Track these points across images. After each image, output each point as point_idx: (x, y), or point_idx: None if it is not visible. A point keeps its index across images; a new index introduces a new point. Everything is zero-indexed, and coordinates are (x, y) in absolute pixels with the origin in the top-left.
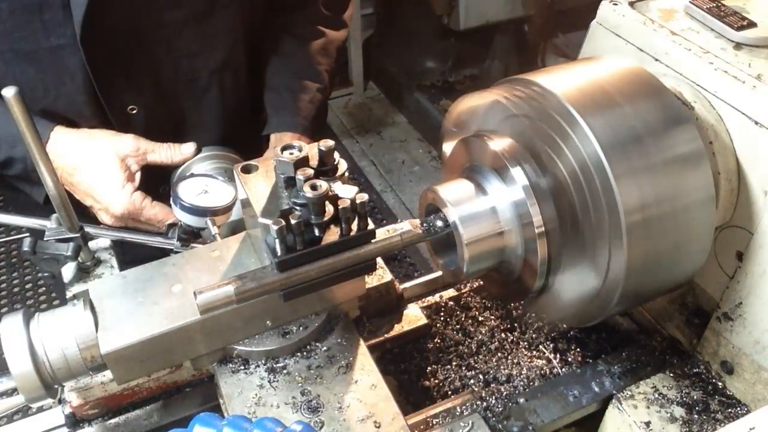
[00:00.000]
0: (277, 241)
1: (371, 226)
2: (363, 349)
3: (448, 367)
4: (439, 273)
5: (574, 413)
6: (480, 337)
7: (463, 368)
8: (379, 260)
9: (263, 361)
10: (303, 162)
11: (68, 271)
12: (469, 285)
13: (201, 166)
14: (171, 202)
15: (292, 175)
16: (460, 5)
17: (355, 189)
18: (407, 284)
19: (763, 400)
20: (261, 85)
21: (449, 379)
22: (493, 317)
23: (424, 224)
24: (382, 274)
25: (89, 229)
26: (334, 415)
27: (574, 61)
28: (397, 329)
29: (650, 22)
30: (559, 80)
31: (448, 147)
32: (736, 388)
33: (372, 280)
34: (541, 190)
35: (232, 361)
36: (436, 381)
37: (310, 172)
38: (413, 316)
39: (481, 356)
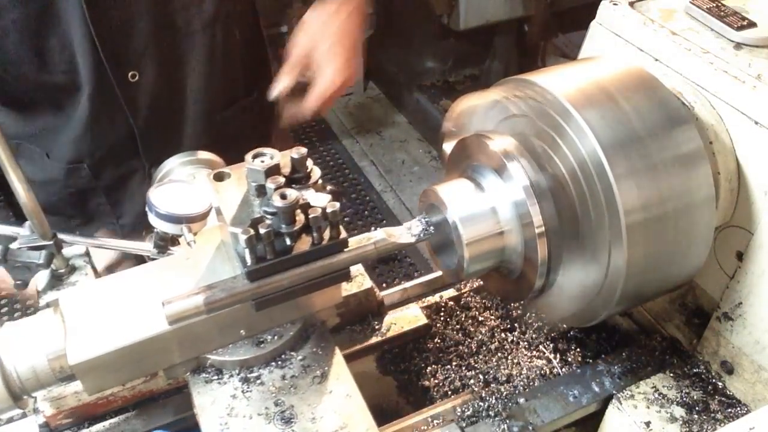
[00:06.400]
0: (246, 250)
1: (344, 234)
2: (339, 358)
3: (448, 367)
4: (439, 273)
5: (574, 413)
6: (480, 337)
7: (463, 368)
8: (360, 267)
9: (237, 371)
10: (274, 170)
11: (42, 278)
12: (469, 285)
13: (182, 171)
14: (146, 208)
15: (263, 183)
16: (460, 5)
17: (328, 197)
18: (409, 283)
19: (763, 400)
20: (254, 42)
21: (449, 379)
22: (493, 317)
23: (398, 231)
24: (362, 281)
25: (63, 236)
26: (307, 426)
27: (574, 61)
28: (397, 329)
29: (650, 22)
30: (559, 80)
31: (448, 147)
32: (736, 388)
33: (351, 287)
34: (541, 190)
35: (205, 371)
36: (436, 381)
37: (281, 180)
38: (413, 316)
39: (481, 356)
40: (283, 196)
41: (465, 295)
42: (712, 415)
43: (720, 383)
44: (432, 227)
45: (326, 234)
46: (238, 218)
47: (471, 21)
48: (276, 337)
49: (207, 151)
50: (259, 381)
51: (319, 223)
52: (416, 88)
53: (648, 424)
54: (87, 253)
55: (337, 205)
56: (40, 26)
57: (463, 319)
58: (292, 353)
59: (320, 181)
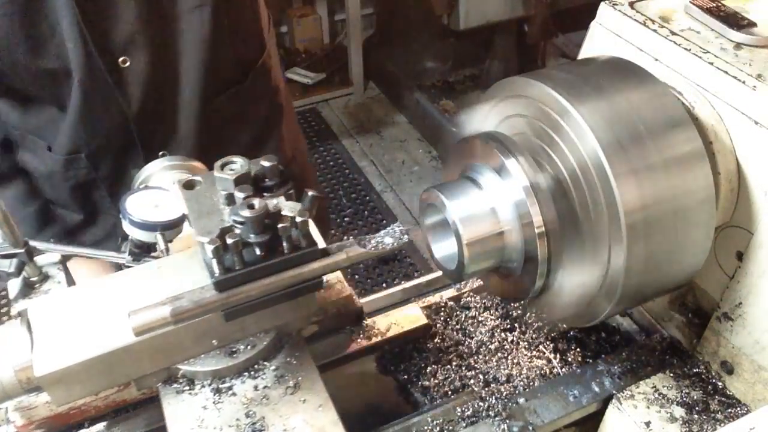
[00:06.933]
0: (213, 260)
1: (315, 243)
2: (313, 368)
3: (448, 367)
4: (439, 273)
5: (574, 413)
6: (480, 337)
7: (463, 368)
8: (338, 274)
9: (209, 382)
10: (243, 178)
11: (14, 286)
12: (469, 285)
13: (163, 176)
14: (120, 216)
15: (232, 191)
16: (460, 5)
17: (298, 206)
18: (409, 283)
19: (763, 400)
20: (249, 25)
21: (449, 379)
22: (493, 317)
23: (373, 240)
24: (341, 289)
25: (35, 244)
26: None
27: (574, 61)
28: (397, 329)
29: (650, 22)
30: (559, 80)
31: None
32: (736, 388)
33: (330, 295)
34: (541, 190)
35: (177, 381)
36: (436, 381)
37: (250, 189)
38: (413, 316)
39: (481, 356)
40: (251, 206)
41: (465, 295)
42: (712, 415)
43: (720, 383)
44: (406, 235)
45: (297, 243)
46: (207, 227)
47: (471, 21)
48: (249, 347)
49: (203, 138)
50: (231, 392)
51: (288, 233)
52: (416, 88)
53: (648, 424)
54: (61, 261)
55: (306, 215)
56: (28, 10)
57: (463, 319)
58: (266, 363)
59: (292, 191)
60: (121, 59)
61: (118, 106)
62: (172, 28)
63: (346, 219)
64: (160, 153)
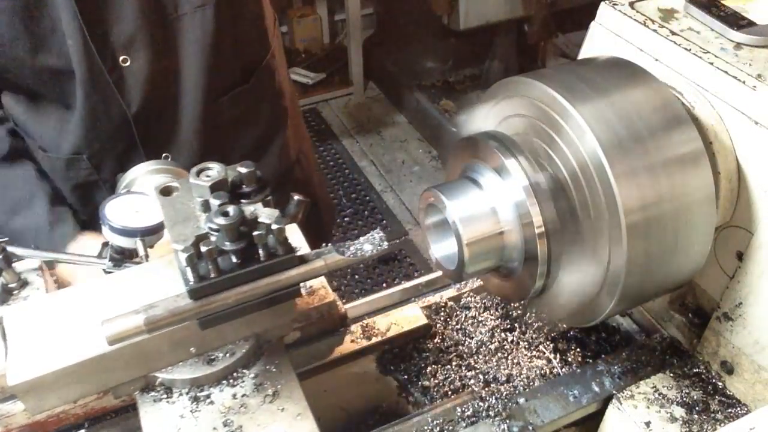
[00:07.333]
0: (188, 269)
1: (294, 250)
2: (292, 375)
3: (448, 367)
4: (439, 273)
5: (574, 413)
6: (480, 337)
7: (463, 368)
8: (322, 279)
9: (187, 390)
10: (220, 185)
11: None
12: (469, 285)
13: (147, 180)
14: (100, 221)
15: (208, 198)
16: (460, 5)
17: (276, 212)
18: (409, 283)
19: (763, 400)
20: (253, 28)
21: (449, 379)
22: (493, 317)
23: (352, 247)
24: (324, 294)
25: (13, 250)
26: None
27: (574, 61)
28: (397, 329)
29: (650, 22)
30: (559, 80)
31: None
32: (736, 388)
33: (313, 300)
34: (541, 190)
35: (154, 389)
36: (436, 381)
37: (225, 196)
38: (413, 316)
39: (481, 356)
40: (225, 214)
41: (465, 295)
42: (712, 415)
43: (720, 383)
44: (385, 242)
45: (273, 250)
46: (183, 234)
47: (471, 21)
48: (228, 355)
49: (206, 140)
50: (209, 400)
51: (264, 240)
52: (416, 88)
53: (648, 424)
54: (41, 268)
55: (283, 222)
56: (29, 6)
57: (463, 319)
58: (245, 371)
59: (270, 197)
60: (121, 58)
61: (119, 106)
62: (174, 27)
63: (346, 219)
64: (164, 155)
